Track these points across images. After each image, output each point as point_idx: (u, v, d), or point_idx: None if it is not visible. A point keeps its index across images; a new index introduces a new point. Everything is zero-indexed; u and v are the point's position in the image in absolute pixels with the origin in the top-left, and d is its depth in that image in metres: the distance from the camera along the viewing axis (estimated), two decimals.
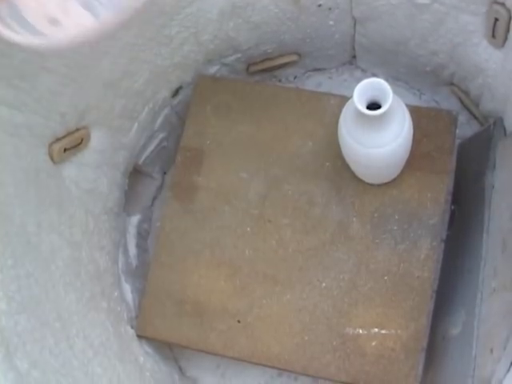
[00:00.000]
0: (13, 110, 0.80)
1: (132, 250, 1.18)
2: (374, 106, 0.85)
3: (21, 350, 0.71)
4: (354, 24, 1.09)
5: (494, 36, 0.89)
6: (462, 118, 1.16)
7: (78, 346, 0.85)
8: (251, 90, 1.12)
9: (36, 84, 0.82)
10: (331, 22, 1.08)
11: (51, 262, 0.86)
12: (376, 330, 0.99)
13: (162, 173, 1.28)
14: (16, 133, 0.81)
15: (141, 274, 1.18)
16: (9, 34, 0.59)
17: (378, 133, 0.87)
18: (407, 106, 0.93)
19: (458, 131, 1.09)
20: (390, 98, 0.82)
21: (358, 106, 0.83)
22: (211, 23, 1.04)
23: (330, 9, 1.04)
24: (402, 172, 1.03)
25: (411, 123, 0.91)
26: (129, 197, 1.18)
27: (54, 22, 0.58)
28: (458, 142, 1.15)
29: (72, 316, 0.87)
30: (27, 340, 0.73)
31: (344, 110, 0.91)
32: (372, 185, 1.04)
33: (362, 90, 0.84)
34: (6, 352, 0.67)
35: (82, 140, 0.95)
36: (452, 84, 1.11)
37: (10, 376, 0.66)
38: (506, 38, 0.88)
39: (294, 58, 1.20)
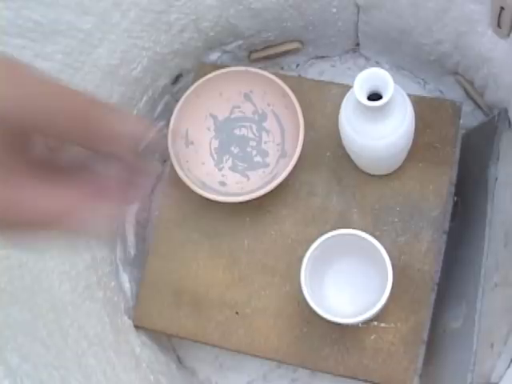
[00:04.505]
0: None
1: (131, 238, 1.17)
2: (375, 96, 0.84)
3: (12, 344, 0.70)
4: (358, 11, 1.08)
5: (499, 25, 0.87)
6: (467, 108, 1.14)
7: (71, 337, 0.84)
8: None
9: None
10: (334, 10, 1.06)
11: (45, 251, 0.85)
12: (375, 323, 0.98)
13: (162, 161, 1.27)
14: None
15: (139, 263, 1.17)
16: None
17: (379, 124, 0.85)
18: (410, 95, 0.91)
19: (462, 121, 1.07)
20: (391, 89, 0.80)
21: (358, 97, 0.81)
22: (211, 10, 1.02)
23: None
24: (404, 163, 1.01)
25: (413, 114, 0.89)
26: None
27: None
28: (462, 132, 1.13)
29: (66, 306, 0.86)
30: (19, 332, 0.72)
31: (345, 100, 0.90)
32: (373, 176, 1.03)
33: (363, 80, 0.82)
34: None
35: None
36: (457, 73, 1.09)
37: None
38: (511, 28, 0.86)
39: (297, 45, 1.18)
